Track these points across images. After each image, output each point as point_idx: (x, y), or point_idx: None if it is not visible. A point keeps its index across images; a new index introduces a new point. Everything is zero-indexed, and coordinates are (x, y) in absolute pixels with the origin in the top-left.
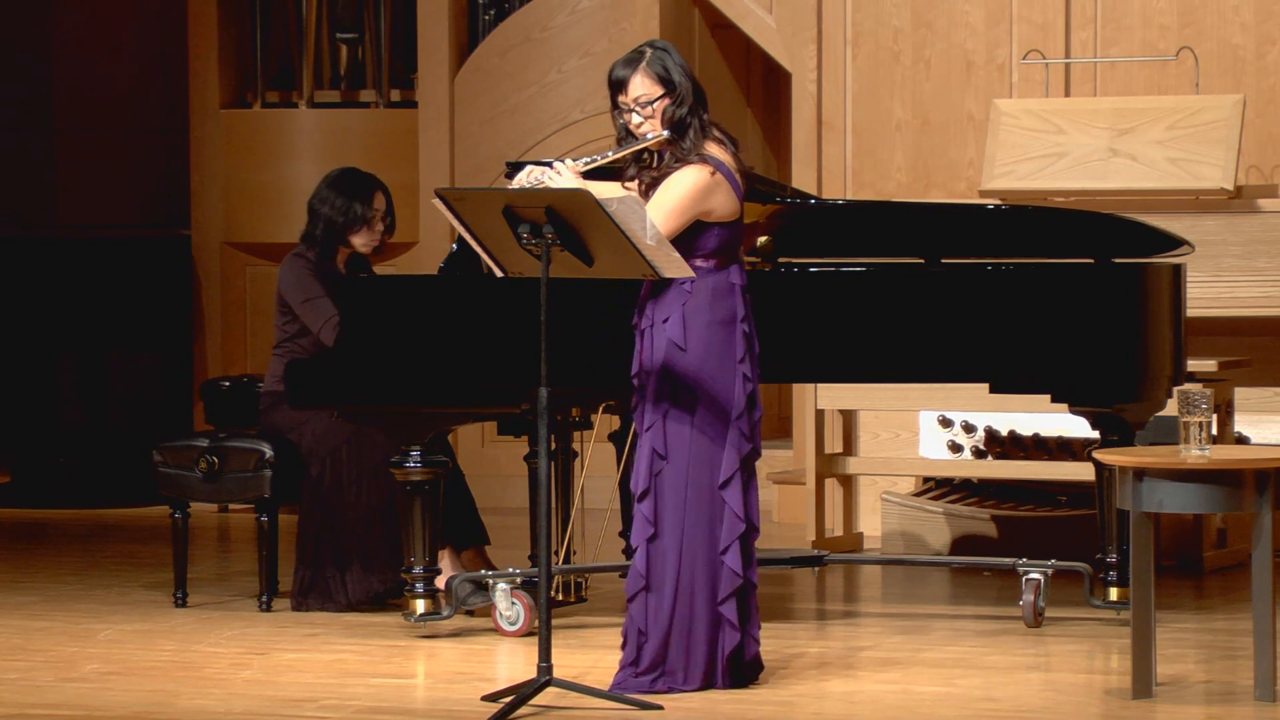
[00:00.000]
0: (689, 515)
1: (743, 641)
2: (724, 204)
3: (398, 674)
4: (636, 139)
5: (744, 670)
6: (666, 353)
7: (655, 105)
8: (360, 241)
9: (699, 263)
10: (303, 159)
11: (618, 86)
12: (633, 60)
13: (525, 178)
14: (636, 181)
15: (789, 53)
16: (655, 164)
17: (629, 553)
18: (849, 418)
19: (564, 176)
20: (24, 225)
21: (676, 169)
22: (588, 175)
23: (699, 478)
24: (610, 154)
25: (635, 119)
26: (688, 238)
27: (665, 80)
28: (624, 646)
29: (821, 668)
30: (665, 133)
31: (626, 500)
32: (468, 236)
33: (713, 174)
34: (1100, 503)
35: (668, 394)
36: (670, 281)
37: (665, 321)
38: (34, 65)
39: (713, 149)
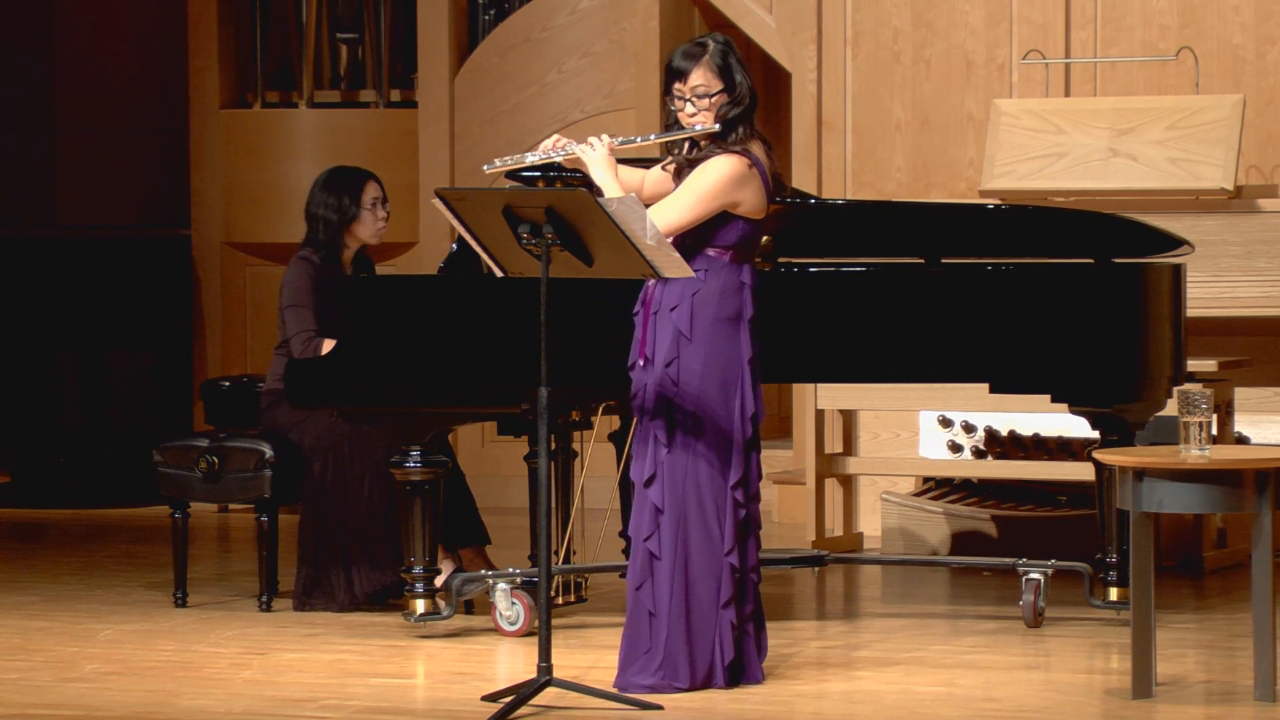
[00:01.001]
0: (690, 507)
1: (747, 642)
2: (752, 199)
3: (398, 674)
4: (683, 128)
5: (745, 674)
6: (672, 342)
7: (712, 99)
8: (365, 233)
9: (714, 253)
10: (303, 159)
11: (677, 75)
12: (695, 52)
13: (552, 146)
14: (672, 165)
15: (789, 53)
16: (691, 150)
17: (629, 552)
18: (849, 418)
19: (597, 150)
20: (24, 225)
21: (714, 154)
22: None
23: (703, 472)
24: (652, 137)
25: (689, 109)
26: (710, 226)
27: (725, 76)
28: (630, 637)
29: (821, 668)
30: (715, 127)
31: (626, 500)
32: (468, 236)
33: (749, 167)
34: (1100, 503)
35: (673, 384)
36: None
37: (673, 310)
38: (34, 65)
39: (753, 146)
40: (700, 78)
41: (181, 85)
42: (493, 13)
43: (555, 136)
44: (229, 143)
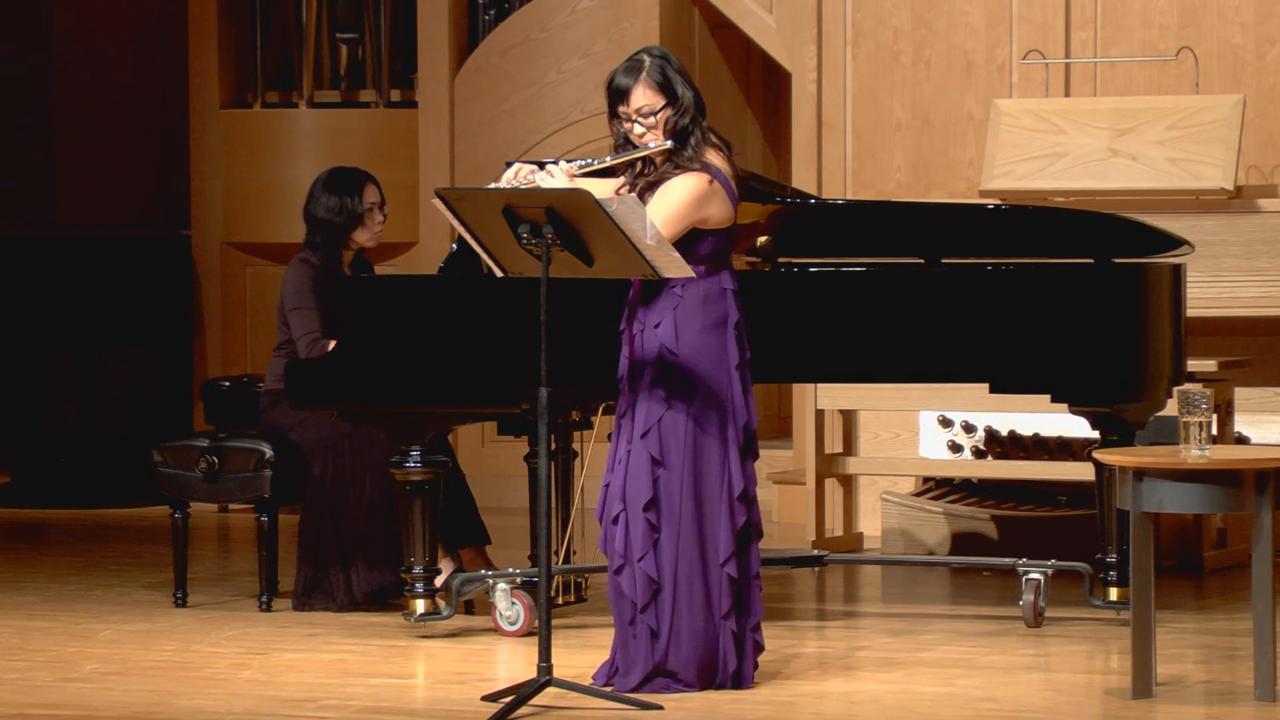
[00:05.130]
0: (687, 521)
1: (746, 650)
2: (719, 212)
3: (398, 674)
4: (636, 146)
5: (741, 680)
6: (659, 357)
7: (657, 116)
8: (364, 236)
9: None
10: (303, 159)
11: (618, 96)
12: (633, 69)
13: (514, 177)
14: (633, 186)
15: (789, 53)
16: (651, 170)
17: None
18: (849, 418)
19: (557, 179)
20: (24, 225)
21: (675, 175)
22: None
23: (698, 485)
24: (609, 159)
25: (637, 129)
26: (682, 244)
27: (666, 89)
28: (632, 645)
29: (821, 668)
30: (669, 143)
31: None
32: (468, 236)
33: (710, 182)
34: (1100, 503)
35: (662, 400)
36: (661, 286)
37: (657, 327)
38: (34, 65)
39: (711, 156)
40: (642, 97)
41: (181, 85)
42: (493, 13)
43: (516, 166)
44: (229, 143)
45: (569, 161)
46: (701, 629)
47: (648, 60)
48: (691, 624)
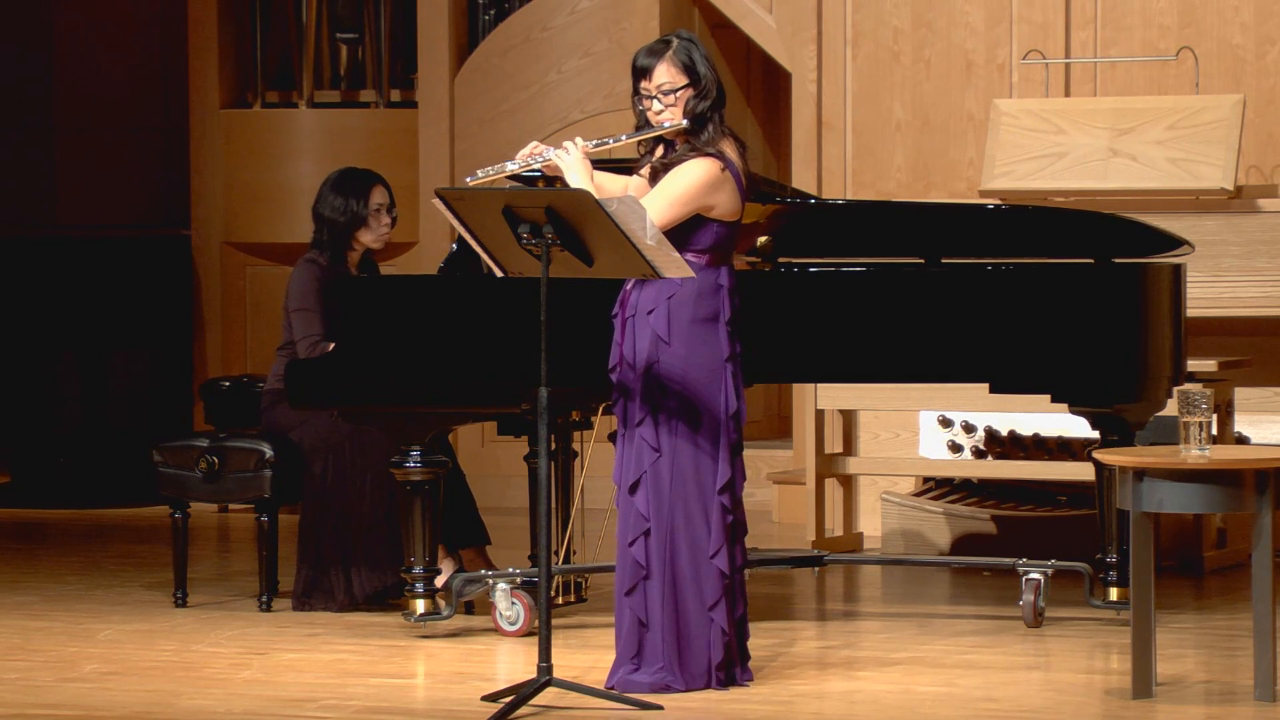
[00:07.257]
0: (679, 511)
1: (734, 644)
2: (727, 202)
3: (398, 674)
4: (653, 126)
5: (734, 675)
6: (651, 345)
7: (678, 95)
8: (368, 238)
9: (691, 257)
10: (303, 159)
11: (642, 73)
12: (659, 48)
13: (529, 153)
14: (650, 169)
15: (789, 53)
16: (666, 153)
17: None
18: (849, 418)
19: (572, 155)
20: (24, 225)
21: (688, 158)
22: (596, 160)
23: (690, 474)
24: (624, 137)
25: (655, 106)
26: (685, 230)
27: (690, 71)
28: (618, 643)
29: (821, 668)
30: (684, 122)
31: None
32: (468, 236)
33: (723, 170)
34: (1100, 503)
35: (656, 387)
36: None
37: (650, 313)
38: (34, 65)
39: (726, 147)
40: (665, 74)
41: (181, 85)
42: (493, 13)
43: (533, 144)
44: (229, 143)
45: (585, 140)
46: (690, 621)
47: (676, 41)
48: (681, 616)
